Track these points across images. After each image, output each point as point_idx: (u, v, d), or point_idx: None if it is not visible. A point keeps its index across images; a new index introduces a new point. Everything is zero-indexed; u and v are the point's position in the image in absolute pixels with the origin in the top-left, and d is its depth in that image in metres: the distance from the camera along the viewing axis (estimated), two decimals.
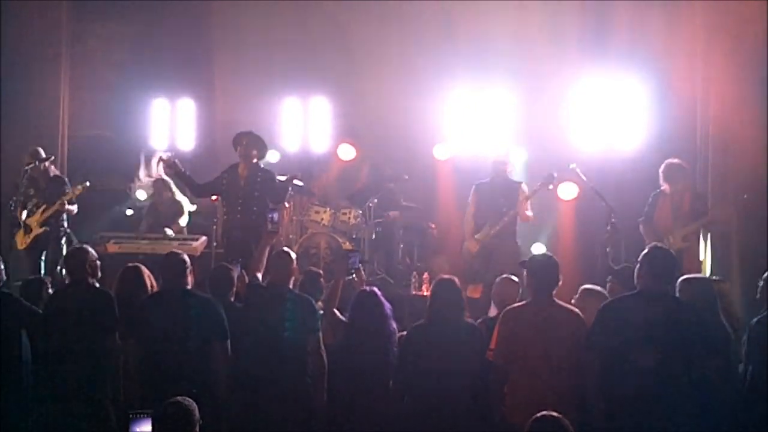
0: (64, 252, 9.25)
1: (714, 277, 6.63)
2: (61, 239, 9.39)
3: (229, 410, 5.92)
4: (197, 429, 4.34)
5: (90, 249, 6.51)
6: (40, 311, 6.34)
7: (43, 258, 9.40)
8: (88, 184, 9.49)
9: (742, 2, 9.02)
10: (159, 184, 10.44)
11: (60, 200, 9.29)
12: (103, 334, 6.08)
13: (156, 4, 11.82)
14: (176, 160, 9.03)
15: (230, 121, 11.80)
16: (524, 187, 9.17)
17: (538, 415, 4.35)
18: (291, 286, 6.35)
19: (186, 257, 6.24)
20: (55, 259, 9.32)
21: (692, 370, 5.23)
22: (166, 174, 9.72)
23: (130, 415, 4.60)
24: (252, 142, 8.84)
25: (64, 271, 9.15)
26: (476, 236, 9.03)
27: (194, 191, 9.53)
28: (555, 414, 4.34)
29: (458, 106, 10.96)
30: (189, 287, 6.15)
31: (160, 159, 9.36)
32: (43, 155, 9.52)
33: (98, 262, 6.50)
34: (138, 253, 9.39)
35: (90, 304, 6.14)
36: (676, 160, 8.67)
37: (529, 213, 9.05)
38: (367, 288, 6.40)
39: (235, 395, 6.01)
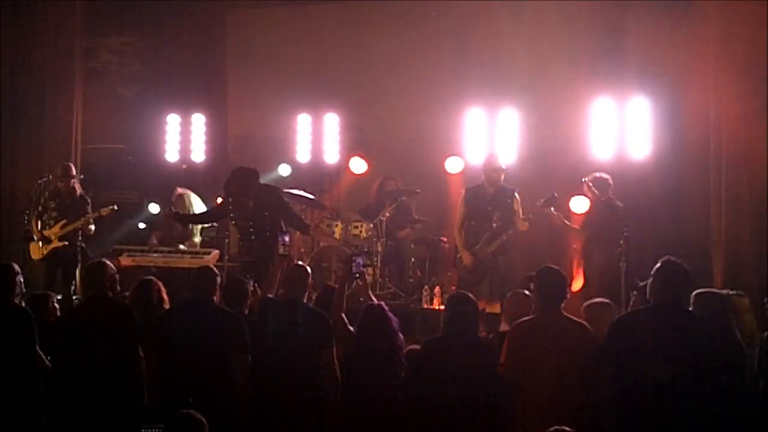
0: (78, 269, 9.38)
1: (732, 292, 6.56)
2: (78, 255, 9.49)
3: (243, 423, 5.92)
4: None
5: (108, 263, 6.53)
6: (54, 326, 6.36)
7: (60, 272, 9.49)
8: (116, 208, 9.61)
9: (755, 19, 9.01)
10: (177, 199, 10.49)
11: (84, 218, 9.45)
12: (124, 347, 6.07)
13: (169, 19, 11.91)
14: (178, 211, 9.31)
15: (242, 135, 11.91)
16: (517, 195, 9.07)
17: (551, 430, 4.32)
18: (305, 300, 6.34)
19: (218, 276, 6.22)
20: (69, 277, 9.38)
21: (705, 385, 5.19)
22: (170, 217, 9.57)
23: (142, 430, 4.58)
24: (241, 188, 8.42)
25: (75, 288, 9.33)
26: (474, 249, 8.94)
27: (204, 222, 9.71)
28: (567, 429, 4.31)
29: (470, 121, 10.95)
30: (214, 301, 6.13)
31: (165, 214, 9.53)
32: (74, 173, 9.68)
33: (117, 276, 6.52)
34: (151, 266, 9.46)
35: (110, 318, 6.13)
36: (595, 174, 9.15)
37: (526, 223, 8.92)
38: (374, 303, 6.39)
39: (248, 408, 6.01)
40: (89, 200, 9.78)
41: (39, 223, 9.48)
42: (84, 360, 6.07)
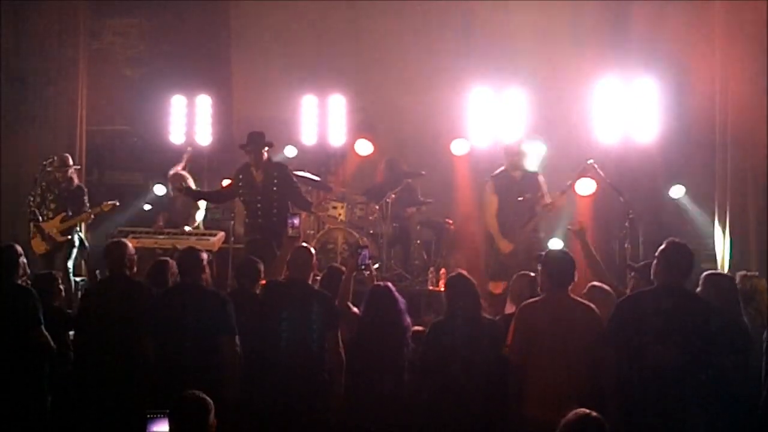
0: (73, 256, 9.39)
1: (750, 273, 6.51)
2: (75, 246, 9.52)
3: (244, 404, 5.93)
4: (213, 423, 4.32)
5: (128, 243, 6.57)
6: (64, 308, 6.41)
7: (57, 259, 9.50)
8: (117, 203, 9.58)
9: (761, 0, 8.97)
10: (176, 179, 10.51)
11: (85, 214, 9.44)
12: (140, 326, 6.05)
13: (173, 0, 11.87)
14: (189, 186, 9.34)
15: (247, 117, 11.87)
16: (541, 177, 8.99)
17: (573, 413, 4.11)
18: (310, 282, 6.34)
19: (203, 254, 6.22)
20: (65, 264, 9.37)
21: (709, 367, 5.20)
22: (181, 191, 9.69)
23: (148, 415, 4.57)
24: (255, 143, 8.73)
25: (73, 270, 9.34)
26: (512, 236, 8.79)
27: (213, 201, 9.75)
28: (587, 411, 4.12)
29: (476, 102, 10.92)
30: (202, 283, 6.12)
31: (174, 186, 9.55)
32: (71, 163, 9.62)
33: (135, 256, 6.54)
34: (156, 248, 9.46)
35: (129, 297, 6.19)
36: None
37: (564, 196, 8.77)
38: (381, 283, 6.38)
39: (253, 389, 6.02)
40: (86, 191, 9.74)
41: (38, 214, 9.41)
42: (104, 338, 6.13)
